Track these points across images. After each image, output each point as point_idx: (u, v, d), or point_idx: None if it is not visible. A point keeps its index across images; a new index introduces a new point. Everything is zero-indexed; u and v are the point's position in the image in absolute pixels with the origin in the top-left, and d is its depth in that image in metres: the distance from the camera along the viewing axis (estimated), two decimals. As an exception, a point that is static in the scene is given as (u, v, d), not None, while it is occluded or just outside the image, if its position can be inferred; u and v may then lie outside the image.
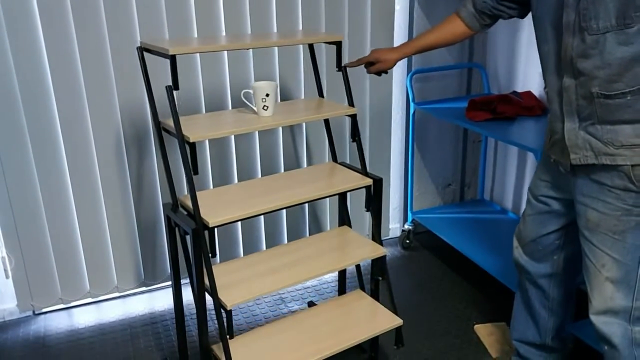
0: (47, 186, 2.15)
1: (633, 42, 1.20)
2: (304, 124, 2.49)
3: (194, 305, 1.64)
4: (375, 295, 1.93)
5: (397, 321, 1.78)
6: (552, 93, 1.41)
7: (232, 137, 2.37)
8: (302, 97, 2.47)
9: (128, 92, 2.15)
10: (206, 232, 1.55)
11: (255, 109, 1.72)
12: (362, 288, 2.01)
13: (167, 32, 2.14)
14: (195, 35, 2.19)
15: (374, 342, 1.99)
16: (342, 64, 1.80)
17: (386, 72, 1.84)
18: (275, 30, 2.31)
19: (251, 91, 1.68)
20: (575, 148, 1.36)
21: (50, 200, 2.17)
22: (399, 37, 2.60)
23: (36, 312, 2.32)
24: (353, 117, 1.81)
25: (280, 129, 2.44)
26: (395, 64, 1.80)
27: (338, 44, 1.77)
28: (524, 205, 1.65)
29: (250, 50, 2.32)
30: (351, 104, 1.84)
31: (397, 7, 2.53)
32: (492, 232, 2.49)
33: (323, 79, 2.44)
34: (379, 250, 1.79)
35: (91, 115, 2.13)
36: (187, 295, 1.95)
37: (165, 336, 2.17)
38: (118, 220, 2.29)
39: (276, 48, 2.34)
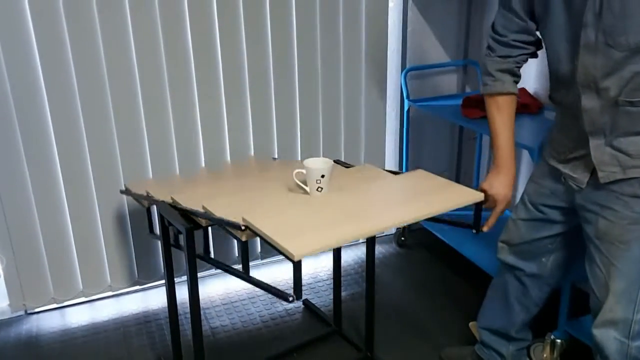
0: (38, 185, 2.12)
1: None
2: (297, 116, 2.47)
3: (187, 304, 1.62)
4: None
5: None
6: (566, 110, 1.38)
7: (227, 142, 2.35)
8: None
9: (121, 90, 2.13)
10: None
11: (307, 189, 1.49)
12: (371, 278, 1.98)
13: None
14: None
15: (369, 340, 1.98)
16: (480, 226, 1.54)
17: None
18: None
19: (304, 171, 1.49)
20: (602, 165, 1.32)
21: (42, 199, 2.14)
22: (393, 35, 2.59)
23: (28, 312, 2.30)
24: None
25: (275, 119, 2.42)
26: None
27: (478, 204, 1.47)
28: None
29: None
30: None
31: (390, 4, 2.52)
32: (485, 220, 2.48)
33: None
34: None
35: (83, 114, 2.10)
36: (181, 294, 1.94)
37: (159, 335, 2.15)
38: (111, 218, 2.27)
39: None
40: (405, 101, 2.54)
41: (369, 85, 2.56)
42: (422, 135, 2.77)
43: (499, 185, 1.55)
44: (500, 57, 1.50)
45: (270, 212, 1.35)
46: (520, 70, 1.54)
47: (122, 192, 1.90)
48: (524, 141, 1.93)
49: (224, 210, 1.39)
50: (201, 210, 1.44)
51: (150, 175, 2.26)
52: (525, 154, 2.57)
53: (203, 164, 2.33)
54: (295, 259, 1.13)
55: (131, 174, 2.23)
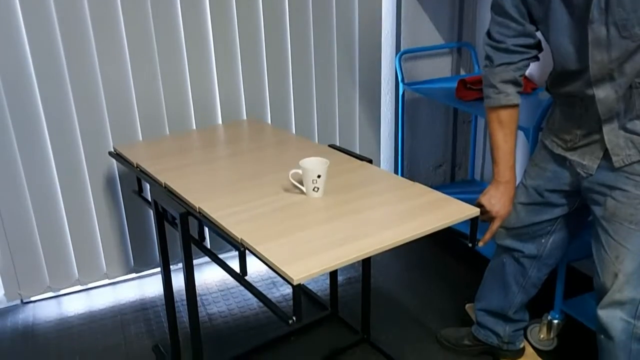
0: (31, 172, 2.11)
1: None
2: (292, 102, 2.45)
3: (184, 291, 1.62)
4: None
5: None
6: (572, 100, 1.37)
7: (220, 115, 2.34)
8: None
9: (112, 77, 2.11)
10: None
11: (304, 190, 1.49)
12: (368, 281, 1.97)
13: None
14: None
15: (365, 323, 1.99)
16: (477, 240, 1.47)
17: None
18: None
19: (300, 171, 1.49)
20: (617, 149, 1.31)
21: (35, 187, 2.13)
22: (387, 17, 2.56)
23: (24, 301, 2.29)
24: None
25: (267, 91, 2.40)
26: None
27: (473, 220, 1.43)
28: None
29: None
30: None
31: (385, -14, 2.50)
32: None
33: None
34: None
35: (75, 100, 2.08)
36: (178, 281, 1.93)
37: (156, 322, 2.15)
38: (105, 205, 2.26)
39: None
40: (400, 85, 2.52)
41: (363, 68, 2.55)
42: (417, 119, 2.76)
43: (497, 202, 1.53)
44: (500, 65, 1.44)
45: (268, 224, 1.36)
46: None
47: (110, 154, 1.87)
48: (518, 122, 1.92)
49: (220, 213, 1.40)
50: (197, 211, 1.45)
51: (140, 135, 2.22)
52: (520, 135, 2.57)
53: (194, 122, 2.30)
54: (295, 283, 1.14)
55: (120, 134, 2.19)
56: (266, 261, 1.21)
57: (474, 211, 1.41)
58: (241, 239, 1.28)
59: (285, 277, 1.15)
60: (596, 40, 1.24)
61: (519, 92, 1.47)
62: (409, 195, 1.49)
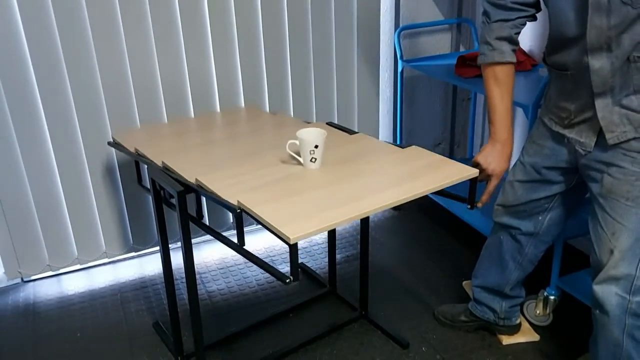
0: (29, 152, 2.10)
1: None
2: (289, 77, 2.44)
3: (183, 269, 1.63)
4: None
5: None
6: (567, 73, 1.35)
7: (218, 99, 2.33)
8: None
9: (108, 62, 2.09)
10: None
11: (301, 160, 1.49)
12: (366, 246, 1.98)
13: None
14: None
15: (363, 300, 2.00)
16: (475, 201, 1.50)
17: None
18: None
19: (297, 142, 1.47)
20: (612, 125, 1.29)
21: (33, 167, 2.12)
22: (386, 3, 2.53)
23: (25, 280, 2.30)
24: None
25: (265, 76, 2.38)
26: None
27: (472, 180, 1.44)
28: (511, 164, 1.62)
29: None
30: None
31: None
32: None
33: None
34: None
35: (70, 80, 2.06)
36: (177, 259, 1.94)
37: (155, 300, 2.17)
38: (104, 185, 2.26)
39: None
40: (399, 62, 2.50)
41: (361, 46, 2.52)
42: (416, 96, 2.75)
43: (493, 159, 1.53)
44: (497, 22, 1.44)
45: (264, 191, 1.34)
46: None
47: (110, 144, 1.87)
48: (518, 99, 1.91)
49: (217, 184, 1.38)
50: (194, 183, 1.44)
51: (138, 123, 2.21)
52: (520, 112, 2.56)
53: (192, 109, 2.28)
54: (291, 242, 1.14)
55: (118, 122, 2.18)
56: (263, 222, 1.21)
57: (473, 172, 1.41)
58: (238, 202, 1.28)
59: (282, 236, 1.15)
60: (596, 4, 1.21)
61: (514, 51, 1.47)
62: (408, 159, 1.49)
